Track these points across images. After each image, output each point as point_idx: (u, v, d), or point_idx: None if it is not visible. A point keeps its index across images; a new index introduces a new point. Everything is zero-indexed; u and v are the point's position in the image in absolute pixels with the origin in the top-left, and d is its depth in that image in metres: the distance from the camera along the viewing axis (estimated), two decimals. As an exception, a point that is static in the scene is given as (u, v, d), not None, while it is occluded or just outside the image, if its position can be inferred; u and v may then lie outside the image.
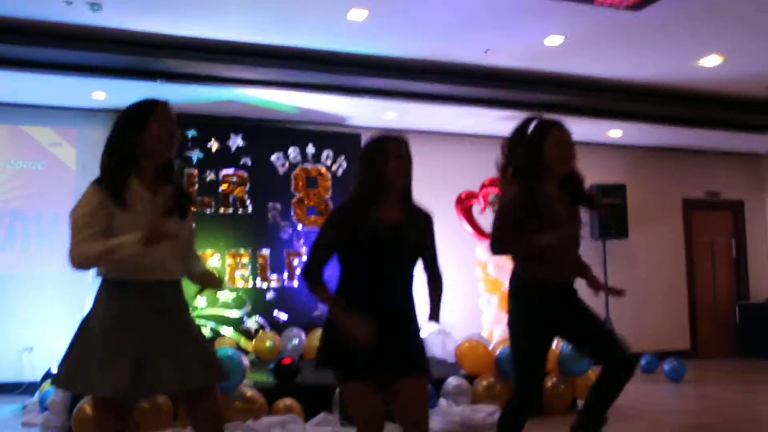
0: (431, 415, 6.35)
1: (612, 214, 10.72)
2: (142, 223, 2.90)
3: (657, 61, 8.28)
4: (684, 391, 8.50)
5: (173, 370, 2.92)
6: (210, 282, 3.31)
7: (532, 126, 3.84)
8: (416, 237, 3.34)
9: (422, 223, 3.41)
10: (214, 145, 8.95)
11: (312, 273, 3.25)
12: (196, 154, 8.85)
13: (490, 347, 7.25)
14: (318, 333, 8.58)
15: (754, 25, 7.34)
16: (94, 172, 9.55)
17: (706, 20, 7.14)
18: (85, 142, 8.81)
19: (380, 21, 7.00)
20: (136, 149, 3.03)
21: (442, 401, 6.63)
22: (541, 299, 3.65)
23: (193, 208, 3.29)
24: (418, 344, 3.33)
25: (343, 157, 9.52)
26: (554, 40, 7.58)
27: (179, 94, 8.20)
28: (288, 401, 6.25)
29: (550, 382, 7.08)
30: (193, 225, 3.36)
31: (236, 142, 9.07)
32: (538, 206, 3.62)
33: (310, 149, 9.40)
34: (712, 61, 8.31)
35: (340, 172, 9.49)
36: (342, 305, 3.16)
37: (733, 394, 8.46)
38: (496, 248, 3.69)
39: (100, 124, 8.83)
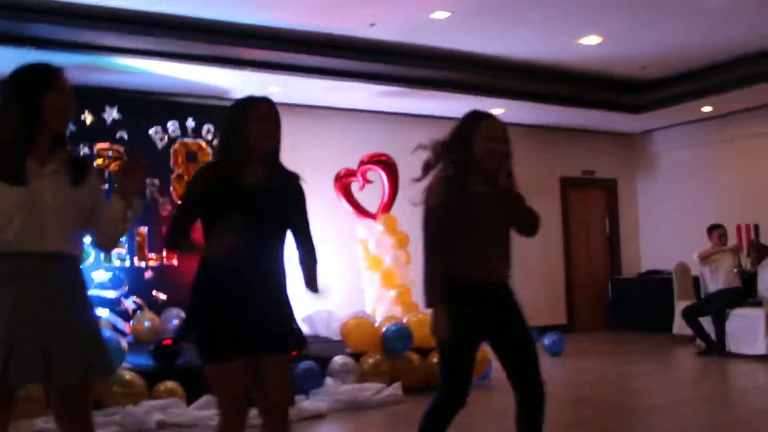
0: (317, 394, 6.28)
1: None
2: (25, 196, 2.74)
3: (539, 38, 8.39)
4: (564, 365, 8.71)
5: (38, 360, 2.70)
6: (124, 183, 2.93)
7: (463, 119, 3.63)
8: (282, 202, 3.18)
9: (290, 188, 3.23)
10: (88, 117, 8.51)
11: (177, 232, 3.12)
12: (69, 126, 8.38)
13: (376, 324, 7.20)
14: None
15: (633, 7, 7.52)
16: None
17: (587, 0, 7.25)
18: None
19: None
20: (32, 120, 2.80)
21: (329, 380, 6.53)
22: (468, 299, 3.43)
23: (94, 174, 3.06)
24: (285, 320, 3.18)
25: (224, 132, 9.23)
26: (441, 15, 7.54)
27: (51, 62, 7.71)
28: (169, 384, 6.03)
29: (435, 359, 7.07)
30: (101, 189, 3.09)
31: (112, 114, 8.65)
32: (463, 205, 3.45)
33: (190, 123, 9.09)
34: (591, 40, 8.48)
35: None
36: (199, 244, 3.05)
37: (609, 366, 8.74)
38: (430, 254, 3.47)
39: (-40, 93, 8.29)
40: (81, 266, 2.97)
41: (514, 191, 3.54)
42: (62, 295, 2.81)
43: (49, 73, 2.87)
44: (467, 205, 3.46)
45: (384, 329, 6.98)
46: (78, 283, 2.93)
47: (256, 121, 3.08)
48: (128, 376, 5.86)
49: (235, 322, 2.98)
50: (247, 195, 3.07)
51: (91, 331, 2.90)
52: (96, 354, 2.87)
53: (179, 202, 3.14)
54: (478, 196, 3.49)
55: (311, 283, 3.25)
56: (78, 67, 7.89)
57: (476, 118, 3.56)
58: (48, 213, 2.78)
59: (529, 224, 3.60)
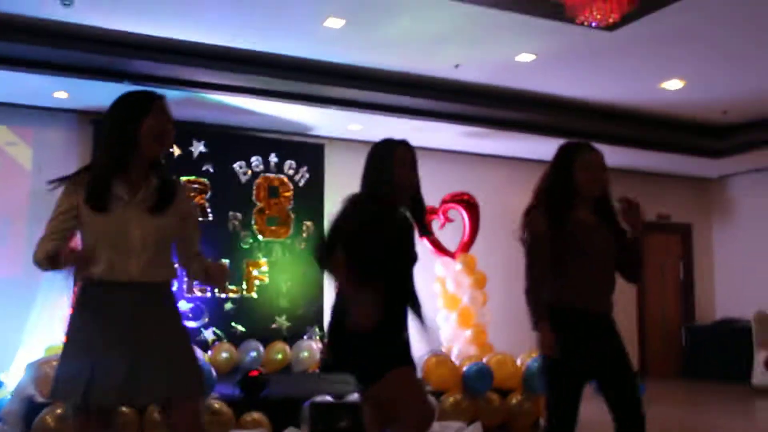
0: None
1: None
2: (111, 226, 2.81)
3: (622, 82, 8.39)
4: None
5: (129, 379, 2.75)
6: (212, 277, 3.03)
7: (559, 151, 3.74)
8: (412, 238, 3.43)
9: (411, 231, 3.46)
10: (176, 150, 8.75)
11: (328, 251, 3.22)
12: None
13: (457, 362, 7.21)
14: (277, 346, 8.47)
15: (716, 52, 7.50)
16: (51, 173, 9.27)
17: (673, 44, 7.26)
18: (42, 143, 8.53)
19: (355, 31, 6.94)
20: (127, 146, 2.88)
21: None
22: (575, 330, 3.44)
23: (191, 203, 3.13)
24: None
25: (305, 168, 9.40)
26: (526, 57, 7.61)
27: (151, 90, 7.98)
28: (255, 415, 6.12)
29: (514, 399, 7.08)
30: (191, 219, 3.12)
31: (198, 148, 8.88)
32: (567, 235, 3.48)
33: (273, 158, 9.26)
34: (673, 85, 8.46)
35: (302, 182, 9.37)
36: (356, 285, 3.14)
37: (688, 414, 8.59)
38: (533, 277, 3.49)
39: (59, 124, 8.61)
40: (170, 289, 2.99)
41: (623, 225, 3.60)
42: (146, 320, 2.84)
43: (147, 99, 2.94)
44: (571, 230, 3.50)
45: (465, 369, 6.98)
46: (165, 307, 2.96)
47: (401, 166, 3.34)
48: (217, 404, 5.96)
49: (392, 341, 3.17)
50: (397, 232, 3.31)
51: (178, 353, 2.91)
52: (185, 374, 2.89)
53: (337, 222, 3.28)
54: (583, 223, 3.54)
55: (421, 317, 3.45)
56: (171, 102, 8.14)
57: (573, 148, 3.68)
58: (134, 243, 2.82)
59: (635, 262, 3.62)
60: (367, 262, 3.22)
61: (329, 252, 3.19)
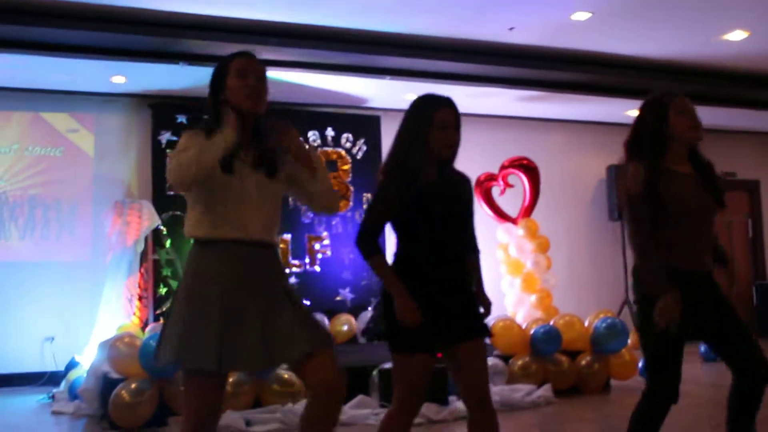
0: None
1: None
2: (234, 186, 2.83)
3: (681, 36, 8.17)
4: (720, 371, 8.40)
5: (265, 340, 2.75)
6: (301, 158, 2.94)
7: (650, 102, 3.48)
8: (462, 197, 3.28)
9: (463, 185, 3.32)
10: (233, 128, 8.80)
11: (368, 238, 3.12)
12: (215, 138, 8.71)
13: (524, 327, 7.16)
14: (342, 318, 8.54)
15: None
16: (112, 159, 9.52)
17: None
18: (103, 128, 8.69)
19: (406, -2, 6.89)
20: (223, 108, 2.87)
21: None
22: (680, 290, 3.24)
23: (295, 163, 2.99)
24: (474, 309, 3.23)
25: (362, 140, 9.41)
26: (581, 16, 7.46)
27: (200, 77, 8.04)
28: (324, 384, 6.14)
29: (584, 361, 7.01)
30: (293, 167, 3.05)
31: (255, 125, 8.93)
32: (666, 190, 3.28)
33: (330, 132, 9.29)
34: (736, 36, 8.21)
35: (360, 155, 9.38)
36: (398, 283, 3.05)
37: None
38: (641, 243, 3.31)
39: (118, 109, 8.75)
40: (277, 250, 3.04)
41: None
42: (269, 280, 2.87)
43: (227, 60, 2.95)
44: (670, 187, 3.30)
45: (532, 331, 6.93)
46: (280, 269, 3.01)
47: (439, 130, 3.14)
48: (286, 375, 6.02)
49: (431, 317, 3.05)
50: (431, 189, 3.14)
51: (302, 308, 2.93)
52: (316, 327, 2.90)
53: (377, 196, 3.19)
54: (682, 177, 3.35)
55: (479, 282, 3.33)
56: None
57: (666, 96, 3.42)
58: (251, 202, 2.85)
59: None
60: (412, 239, 3.15)
61: (371, 243, 3.11)
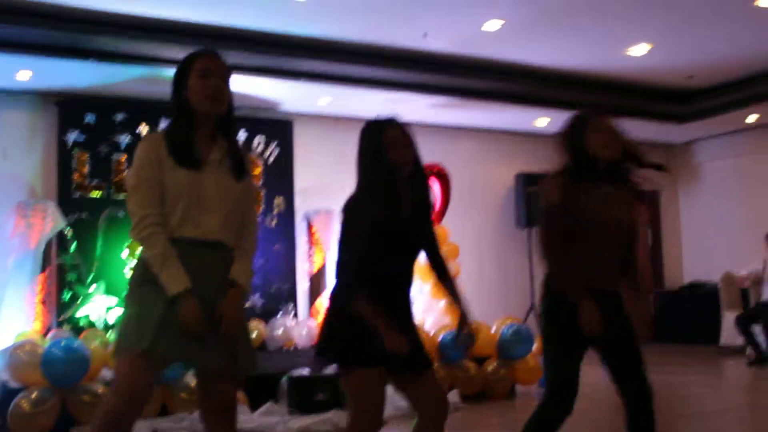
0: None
1: (537, 203, 10.84)
2: (193, 183, 2.79)
3: (588, 48, 8.44)
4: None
5: (190, 342, 2.72)
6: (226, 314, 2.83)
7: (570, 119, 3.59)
8: (425, 228, 3.26)
9: (425, 210, 3.28)
10: (143, 129, 8.63)
11: (352, 275, 3.04)
12: (125, 139, 8.52)
13: (431, 334, 7.24)
14: (251, 324, 8.45)
15: (681, 16, 7.55)
16: (15, 158, 9.14)
17: (639, 7, 7.32)
18: (6, 126, 8.35)
19: (321, 2, 6.89)
20: (186, 105, 2.86)
21: (388, 388, 6.57)
22: (573, 315, 3.30)
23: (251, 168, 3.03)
24: (419, 340, 3.21)
25: (275, 144, 9.34)
26: (493, 25, 7.60)
27: (110, 75, 7.88)
28: (232, 391, 6.08)
29: (490, 367, 7.13)
30: (253, 194, 3.12)
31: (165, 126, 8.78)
32: (580, 208, 3.35)
33: (242, 135, 9.19)
34: (640, 49, 8.49)
35: (271, 158, 9.31)
36: (386, 321, 2.98)
37: (659, 375, 8.40)
38: (545, 255, 3.39)
39: (22, 106, 8.44)
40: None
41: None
42: (219, 283, 2.83)
43: (189, 59, 2.93)
44: (585, 203, 3.36)
45: (440, 337, 7.02)
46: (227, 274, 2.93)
47: (394, 148, 3.11)
48: (193, 383, 5.94)
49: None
50: (400, 224, 3.11)
51: (244, 327, 2.92)
52: (244, 349, 2.88)
53: (346, 231, 3.11)
54: (597, 196, 3.40)
55: (457, 296, 3.31)
56: (136, 80, 8.06)
57: (585, 115, 3.55)
58: (210, 201, 2.82)
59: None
60: (379, 269, 3.07)
61: (355, 284, 3.04)
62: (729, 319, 10.11)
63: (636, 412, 3.42)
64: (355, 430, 3.05)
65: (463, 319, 3.26)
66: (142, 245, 2.78)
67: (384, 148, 3.10)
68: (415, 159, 3.19)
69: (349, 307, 3.05)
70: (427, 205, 3.28)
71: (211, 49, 3.00)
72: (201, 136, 2.87)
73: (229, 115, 2.96)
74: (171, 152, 2.79)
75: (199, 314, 2.70)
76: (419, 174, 3.21)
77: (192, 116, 2.86)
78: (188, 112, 2.86)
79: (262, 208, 9.18)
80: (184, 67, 2.91)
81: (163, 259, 2.71)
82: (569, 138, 3.50)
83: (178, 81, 2.90)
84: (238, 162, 2.93)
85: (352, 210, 3.12)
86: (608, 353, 3.45)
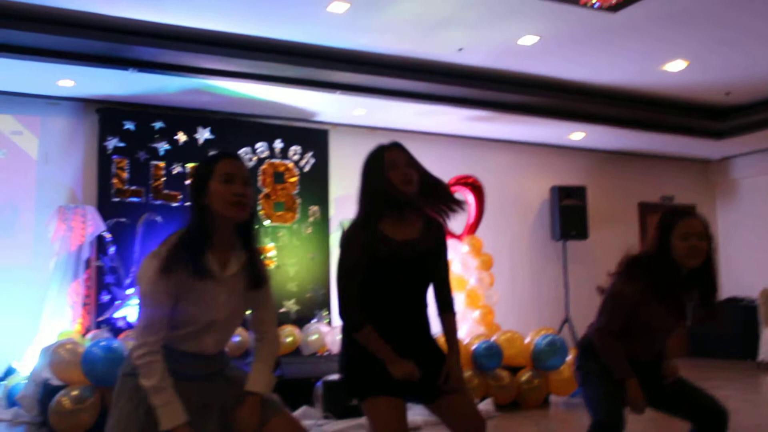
0: (412, 408, 6.34)
1: (572, 216, 10.85)
2: (203, 303, 2.72)
3: (624, 64, 8.42)
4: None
5: None
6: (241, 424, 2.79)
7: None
8: (434, 255, 3.19)
9: (440, 238, 3.25)
10: (181, 137, 8.77)
11: (352, 306, 3.05)
12: (162, 147, 8.66)
13: (466, 342, 7.26)
14: (286, 329, 8.52)
15: (720, 33, 7.53)
16: (57, 163, 9.32)
17: (675, 25, 7.29)
18: (48, 132, 8.56)
19: (359, 15, 6.97)
20: (206, 213, 2.74)
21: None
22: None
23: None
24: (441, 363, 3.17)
25: (311, 153, 9.44)
26: (529, 40, 7.64)
27: (149, 84, 8.04)
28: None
29: (524, 377, 7.14)
30: (270, 297, 2.98)
31: (204, 135, 8.91)
32: (650, 311, 3.44)
33: (278, 144, 9.30)
34: (676, 66, 8.48)
35: (307, 167, 9.41)
36: (390, 353, 3.01)
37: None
38: (608, 333, 3.46)
39: (64, 113, 8.64)
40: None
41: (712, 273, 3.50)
42: (216, 388, 2.83)
43: (211, 162, 2.77)
44: (657, 307, 3.44)
45: (474, 347, 7.04)
46: (225, 365, 2.92)
47: (392, 170, 3.10)
48: None
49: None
50: (399, 248, 3.10)
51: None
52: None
53: (342, 260, 3.12)
54: (670, 305, 3.46)
55: (452, 338, 3.24)
56: (174, 89, 8.22)
57: (674, 215, 3.50)
58: (219, 321, 2.78)
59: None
60: (383, 297, 3.11)
61: (357, 314, 3.05)
62: (767, 335, 10.02)
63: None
64: None
65: (449, 368, 3.13)
66: (138, 371, 2.69)
67: (385, 167, 3.10)
68: (425, 178, 3.17)
69: (356, 339, 3.06)
70: (439, 230, 3.24)
71: (233, 153, 2.87)
72: (218, 245, 2.76)
73: (250, 223, 2.83)
74: (186, 264, 2.68)
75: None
76: (434, 186, 3.21)
77: (210, 224, 2.73)
78: (207, 218, 2.72)
79: (297, 217, 9.27)
80: (205, 170, 2.76)
81: (159, 391, 2.65)
82: (656, 237, 3.48)
83: (199, 184, 2.75)
84: (257, 273, 2.84)
85: (346, 238, 3.11)
86: (665, 399, 3.59)
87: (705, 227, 3.43)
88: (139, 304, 2.74)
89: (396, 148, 3.19)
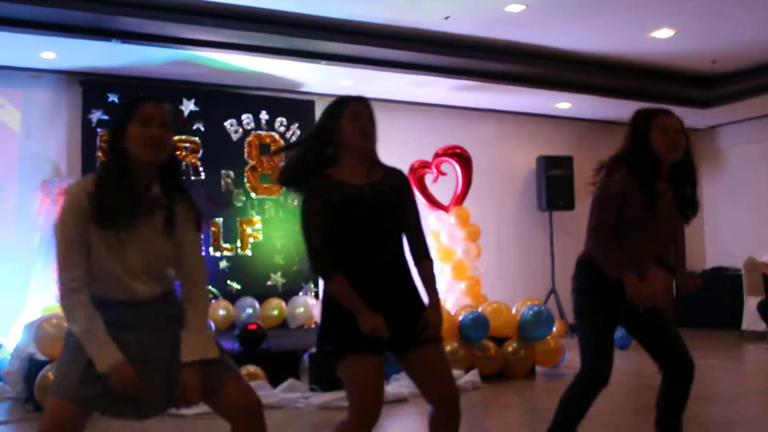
0: (399, 380, 6.37)
1: (559, 187, 10.84)
2: (119, 245, 2.68)
3: (612, 32, 8.38)
4: (632, 357, 8.67)
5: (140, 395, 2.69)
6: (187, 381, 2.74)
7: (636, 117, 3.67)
8: (393, 195, 3.12)
9: (401, 185, 3.19)
10: (166, 109, 8.70)
11: (321, 258, 3.00)
12: (147, 119, 8.59)
13: (452, 313, 7.27)
14: (272, 302, 8.53)
15: (706, 1, 7.50)
16: (40, 137, 9.22)
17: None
18: (31, 105, 8.46)
19: (344, -16, 6.91)
20: (124, 156, 2.72)
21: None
22: (612, 291, 3.46)
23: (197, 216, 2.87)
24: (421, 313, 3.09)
25: (296, 125, 9.39)
26: (515, 8, 7.58)
27: (133, 56, 7.95)
28: (252, 368, 6.15)
29: (510, 347, 7.17)
30: (197, 249, 2.92)
31: (189, 107, 8.85)
32: (636, 201, 3.47)
33: (264, 116, 9.25)
34: (663, 33, 8.44)
35: (293, 139, 9.34)
36: (359, 303, 2.96)
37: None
38: (600, 231, 3.47)
39: (47, 86, 8.54)
40: (173, 294, 2.90)
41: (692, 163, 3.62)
42: (153, 333, 2.77)
43: (132, 104, 2.76)
44: (645, 203, 3.47)
45: (461, 318, 7.05)
46: (170, 315, 2.84)
47: (350, 120, 3.06)
48: (216, 358, 6.01)
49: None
50: (362, 197, 3.05)
51: (176, 360, 2.77)
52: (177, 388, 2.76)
53: (304, 212, 3.07)
54: (658, 197, 3.50)
55: (431, 293, 3.14)
56: (159, 60, 8.13)
57: (650, 113, 3.60)
58: (139, 263, 2.74)
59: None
60: (338, 247, 3.04)
61: (326, 263, 3.00)
62: (751, 304, 10.09)
63: (675, 385, 3.54)
64: (353, 419, 2.97)
65: (427, 317, 3.04)
66: (65, 315, 2.69)
67: (342, 116, 3.07)
68: (367, 135, 3.10)
69: (330, 297, 3.02)
70: (399, 176, 3.20)
71: (154, 97, 2.83)
72: (137, 188, 2.75)
73: (170, 165, 2.82)
74: (97, 212, 2.66)
75: (134, 380, 2.64)
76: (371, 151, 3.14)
77: (128, 168, 2.72)
78: (125, 162, 2.71)
79: (283, 189, 9.20)
80: (125, 113, 2.75)
81: (88, 335, 2.64)
82: (635, 134, 3.56)
83: (118, 127, 2.74)
84: (173, 218, 2.79)
85: (307, 193, 3.07)
86: (638, 332, 3.61)
87: (681, 123, 3.56)
88: (54, 246, 2.72)
89: (361, 100, 3.16)
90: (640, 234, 3.50)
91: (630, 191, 3.44)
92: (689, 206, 3.63)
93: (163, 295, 2.83)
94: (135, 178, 2.73)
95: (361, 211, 3.04)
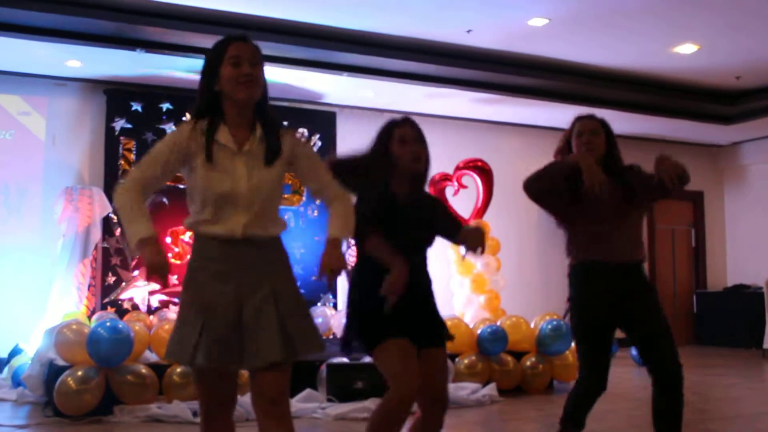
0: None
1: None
2: (218, 180, 2.71)
3: (635, 46, 8.36)
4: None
5: (235, 342, 2.67)
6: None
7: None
8: (428, 215, 3.35)
9: (431, 203, 3.47)
10: (188, 118, 8.75)
11: (367, 222, 3.14)
12: (170, 128, 8.65)
13: (471, 326, 7.25)
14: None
15: (730, 16, 7.46)
16: (64, 144, 9.34)
17: (686, 7, 7.27)
18: (56, 113, 8.56)
19: (367, -4, 6.94)
20: (219, 98, 2.78)
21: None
22: (599, 281, 3.62)
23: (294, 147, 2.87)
24: (440, 318, 3.36)
25: (318, 136, 9.43)
26: (538, 22, 7.58)
27: (157, 65, 8.02)
28: (271, 377, 6.15)
29: (528, 362, 7.14)
30: (316, 166, 2.93)
31: (211, 116, 8.89)
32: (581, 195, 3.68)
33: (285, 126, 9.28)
34: (687, 49, 8.41)
35: (315, 150, 9.37)
36: (393, 252, 3.12)
37: (700, 377, 8.60)
38: (531, 180, 3.81)
39: (72, 94, 8.63)
40: (278, 242, 2.85)
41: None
42: (256, 277, 2.73)
43: (222, 45, 2.78)
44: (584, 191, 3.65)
45: (479, 331, 7.03)
46: (274, 260, 2.82)
47: (399, 143, 3.25)
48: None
49: (399, 316, 3.13)
50: (399, 199, 3.28)
51: (292, 309, 2.75)
52: (299, 332, 2.74)
53: (363, 197, 3.25)
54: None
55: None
56: (182, 70, 8.19)
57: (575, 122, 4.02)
58: (241, 198, 2.72)
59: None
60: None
61: (366, 232, 3.16)
62: (773, 322, 10.01)
63: (663, 389, 3.56)
64: (394, 397, 3.07)
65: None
66: (114, 199, 2.77)
67: (392, 138, 3.27)
68: (423, 160, 3.31)
69: (363, 249, 3.20)
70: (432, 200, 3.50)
71: (241, 35, 2.84)
72: (235, 127, 2.78)
73: (263, 101, 2.86)
74: (205, 147, 2.72)
75: (164, 258, 2.65)
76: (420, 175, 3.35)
77: (221, 107, 2.77)
78: (220, 102, 2.77)
79: (303, 200, 9.26)
80: (214, 57, 2.77)
81: (128, 212, 2.69)
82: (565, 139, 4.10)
83: (209, 70, 2.78)
84: (271, 147, 2.79)
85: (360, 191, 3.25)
86: (634, 326, 3.64)
87: (597, 125, 3.88)
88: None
89: (409, 124, 3.32)
90: (594, 224, 3.70)
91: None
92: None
93: (261, 239, 2.77)
94: (233, 116, 2.78)
95: (402, 220, 3.26)
